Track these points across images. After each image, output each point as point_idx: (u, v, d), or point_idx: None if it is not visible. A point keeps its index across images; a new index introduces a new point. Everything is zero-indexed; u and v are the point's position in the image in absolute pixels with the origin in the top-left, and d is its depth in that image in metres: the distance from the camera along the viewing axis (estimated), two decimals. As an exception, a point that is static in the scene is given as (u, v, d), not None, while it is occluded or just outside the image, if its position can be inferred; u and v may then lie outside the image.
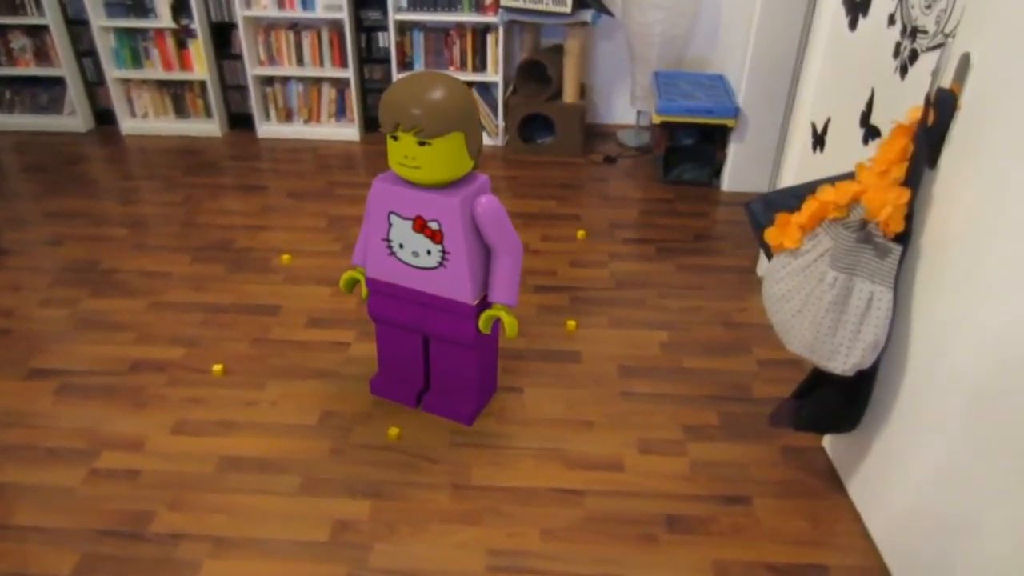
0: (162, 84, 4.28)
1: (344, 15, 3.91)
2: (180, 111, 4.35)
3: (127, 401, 2.35)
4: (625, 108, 4.34)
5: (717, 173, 3.75)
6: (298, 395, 2.38)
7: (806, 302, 1.84)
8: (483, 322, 2.06)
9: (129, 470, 2.10)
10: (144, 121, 4.34)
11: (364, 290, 2.20)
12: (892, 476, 1.85)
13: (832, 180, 1.84)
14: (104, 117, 4.38)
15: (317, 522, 1.95)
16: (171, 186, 3.72)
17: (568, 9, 3.58)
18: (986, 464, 1.50)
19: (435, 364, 2.25)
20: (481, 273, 2.05)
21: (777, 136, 3.53)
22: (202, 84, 4.24)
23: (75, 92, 4.23)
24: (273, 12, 3.99)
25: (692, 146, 3.81)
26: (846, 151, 2.32)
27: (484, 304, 2.09)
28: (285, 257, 3.08)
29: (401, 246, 2.04)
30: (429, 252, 2.01)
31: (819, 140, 2.55)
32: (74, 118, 4.31)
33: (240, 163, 4.00)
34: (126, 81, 4.25)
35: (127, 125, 4.30)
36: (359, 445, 2.19)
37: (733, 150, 3.61)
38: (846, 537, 1.94)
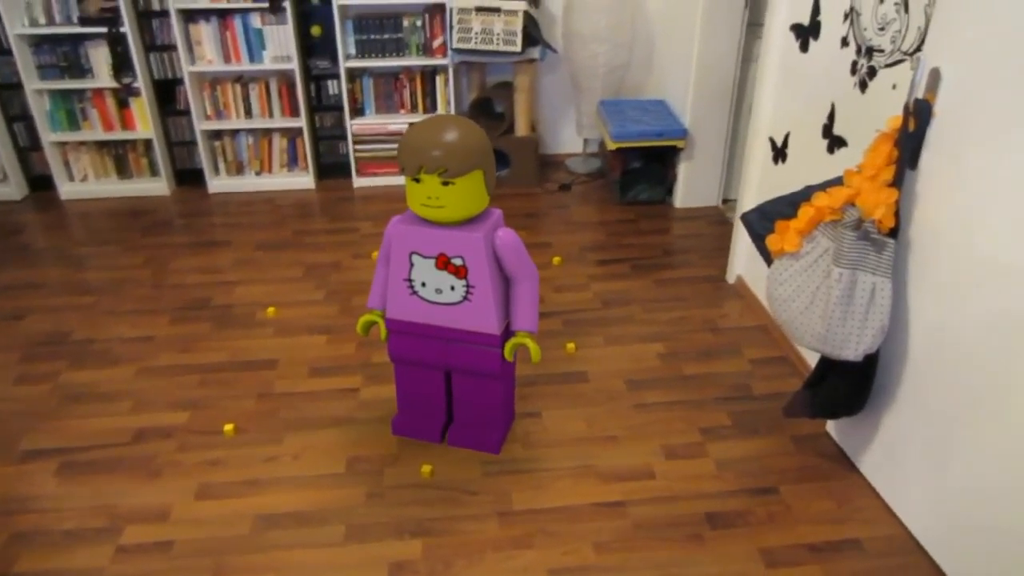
0: (102, 145, 4.16)
1: (294, 65, 3.93)
2: (122, 171, 4.23)
3: (139, 472, 2.28)
4: (571, 138, 4.51)
5: (670, 191, 3.95)
6: (319, 445, 2.36)
7: (813, 299, 2.00)
8: (508, 350, 2.13)
9: (160, 542, 2.04)
10: (83, 184, 4.20)
11: (383, 332, 2.23)
12: (901, 449, 2.02)
13: (823, 186, 2.02)
14: (39, 183, 4.21)
15: (372, 568, 1.95)
16: (129, 249, 3.61)
17: (518, 48, 3.72)
18: (981, 423, 1.68)
19: (458, 397, 2.29)
20: (504, 303, 2.12)
21: (723, 153, 3.77)
22: (146, 142, 4.15)
23: (7, 159, 4.05)
24: (219, 67, 3.96)
25: (642, 168, 4.00)
26: (809, 161, 2.53)
27: (506, 333, 2.16)
28: (271, 310, 3.05)
29: (424, 284, 2.09)
30: (453, 288, 2.07)
31: (780, 153, 2.76)
32: (7, 186, 4.12)
33: (196, 219, 3.92)
34: (62, 144, 4.11)
35: (65, 189, 4.15)
36: (394, 486, 2.20)
37: (683, 168, 3.82)
38: (869, 511, 2.10)
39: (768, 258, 2.15)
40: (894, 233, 1.87)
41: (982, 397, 1.72)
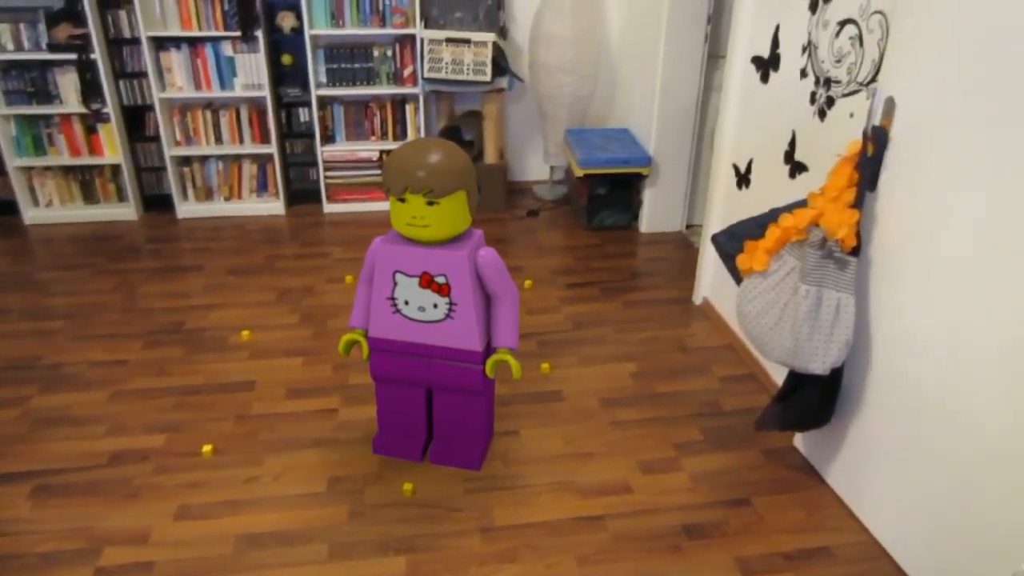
0: (68, 170, 4.12)
1: (266, 93, 3.97)
2: (89, 197, 4.20)
3: (116, 494, 2.25)
4: (538, 165, 4.62)
5: (635, 217, 4.07)
6: (299, 466, 2.37)
7: (782, 315, 2.10)
8: (490, 367, 2.18)
9: (140, 563, 2.02)
10: (49, 209, 4.15)
11: (365, 351, 2.26)
12: (865, 460, 2.12)
13: (788, 208, 2.13)
14: (1, 208, 4.14)
15: (357, 583, 1.96)
16: (98, 273, 3.57)
17: (488, 78, 3.83)
18: (938, 432, 1.78)
19: (439, 415, 2.33)
20: (485, 320, 2.18)
21: (686, 180, 3.91)
22: (114, 168, 4.12)
23: (-31, 186, 3.99)
24: (189, 93, 3.98)
25: (607, 194, 4.11)
26: (772, 186, 2.66)
27: (487, 351, 2.21)
28: (245, 333, 3.05)
29: (407, 303, 2.14)
30: (436, 305, 2.12)
31: (743, 179, 2.89)
32: (-32, 213, 4.05)
33: (165, 245, 3.90)
34: (28, 169, 4.06)
35: (30, 215, 4.10)
36: (376, 505, 2.22)
37: (648, 195, 3.95)
38: (837, 520, 2.19)
39: (738, 277, 2.25)
40: (856, 251, 1.98)
41: (939, 406, 1.83)
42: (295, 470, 2.35)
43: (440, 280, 2.08)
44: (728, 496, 2.27)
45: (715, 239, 2.31)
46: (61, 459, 2.39)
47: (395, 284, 2.12)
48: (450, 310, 2.11)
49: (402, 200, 1.99)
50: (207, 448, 2.41)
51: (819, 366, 2.03)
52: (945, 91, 1.71)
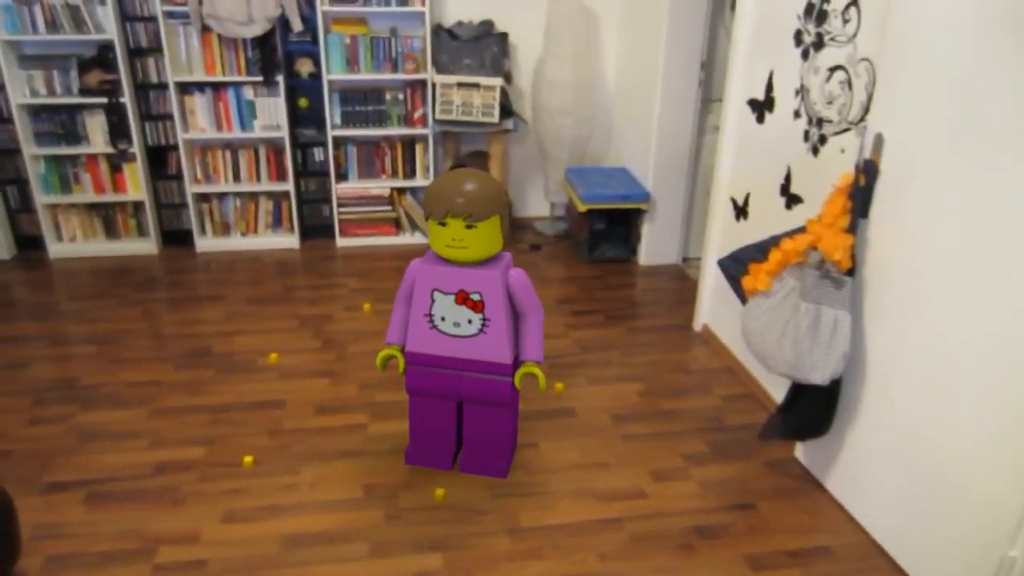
0: (92, 207, 4.29)
1: (284, 134, 4.20)
2: (110, 232, 4.36)
3: (164, 500, 2.39)
4: (538, 201, 4.86)
5: (633, 250, 4.31)
6: (334, 475, 2.52)
7: (784, 331, 2.31)
8: (518, 379, 2.37)
9: (194, 561, 2.16)
10: (72, 244, 4.31)
11: (401, 364, 2.44)
12: (862, 466, 2.32)
13: (788, 234, 2.37)
14: (26, 243, 4.30)
15: (398, 578, 2.11)
16: (124, 303, 3.73)
17: (496, 119, 4.09)
18: (929, 437, 1.99)
19: (469, 426, 2.50)
20: (514, 335, 2.37)
21: (682, 215, 4.17)
22: (135, 205, 4.31)
23: (-3, 220, 4.16)
24: (211, 134, 4.20)
25: (606, 229, 4.35)
26: (769, 217, 2.90)
27: (515, 364, 2.40)
28: (273, 356, 3.22)
29: (443, 319, 2.33)
30: (470, 321, 2.32)
31: (741, 211, 3.14)
32: (-6, 246, 4.20)
33: (186, 276, 4.07)
34: (54, 206, 4.23)
35: (54, 249, 4.25)
36: (411, 508, 2.38)
37: (647, 229, 4.19)
38: (836, 522, 2.38)
39: (743, 297, 2.48)
40: (851, 272, 2.21)
41: (929, 413, 2.04)
42: (331, 478, 2.50)
43: (475, 297, 2.28)
44: (734, 501, 2.45)
45: (721, 263, 2.54)
46: (109, 469, 2.53)
47: (433, 301, 2.32)
48: (483, 325, 2.31)
49: (443, 224, 2.20)
50: (248, 459, 2.56)
51: (820, 377, 2.24)
52: (928, 128, 1.96)
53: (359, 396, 2.97)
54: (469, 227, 2.19)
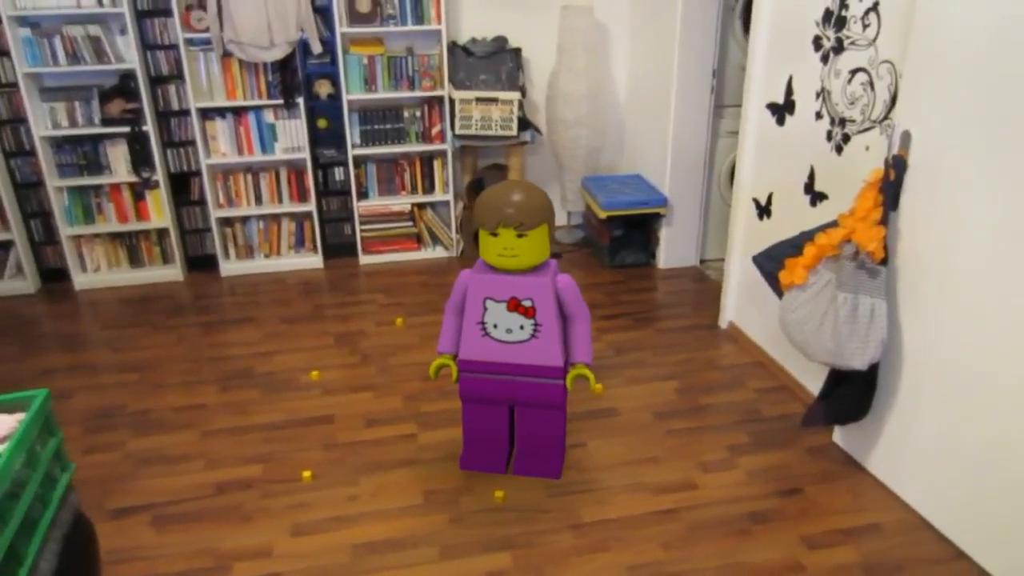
0: (115, 236, 4.35)
1: (306, 155, 4.28)
2: (135, 260, 4.42)
3: (231, 518, 2.45)
4: (555, 211, 4.95)
5: (652, 255, 4.41)
6: (393, 484, 2.59)
7: (822, 321, 2.41)
8: (570, 380, 2.46)
9: (271, 574, 2.22)
10: (96, 274, 4.36)
11: (455, 373, 2.52)
12: (903, 445, 2.42)
13: (820, 230, 2.47)
14: (50, 275, 4.35)
15: (471, 578, 2.19)
16: (158, 329, 3.79)
17: (514, 132, 4.19)
18: (968, 414, 2.09)
19: (522, 429, 2.58)
20: (563, 339, 2.46)
21: (699, 218, 4.28)
22: (159, 232, 4.37)
23: (24, 254, 4.20)
24: (232, 158, 4.28)
25: (625, 235, 4.45)
26: (793, 214, 3.01)
27: (565, 367, 2.48)
28: (314, 373, 3.29)
29: (495, 326, 2.42)
30: (522, 327, 2.40)
31: (764, 211, 3.24)
32: (21, 280, 4.25)
33: (214, 300, 4.13)
34: (77, 237, 4.29)
35: (80, 280, 4.30)
36: (473, 511, 2.45)
37: (665, 233, 4.30)
38: (881, 501, 2.47)
39: (779, 291, 2.57)
40: (884, 262, 2.31)
41: (965, 388, 2.15)
42: (390, 487, 2.57)
43: (527, 304, 2.36)
44: (782, 487, 2.54)
45: (756, 260, 2.64)
46: (170, 492, 2.59)
47: (485, 309, 2.40)
48: (535, 330, 2.39)
49: (495, 234, 2.29)
50: (307, 473, 2.63)
51: (859, 362, 2.34)
52: (953, 124, 2.08)
53: (405, 407, 3.04)
54: (520, 236, 2.28)
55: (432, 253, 4.62)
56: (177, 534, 2.39)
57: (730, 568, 2.21)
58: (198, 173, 4.30)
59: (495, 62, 4.23)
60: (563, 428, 2.57)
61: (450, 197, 4.53)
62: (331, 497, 2.54)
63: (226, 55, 4.02)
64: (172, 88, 4.16)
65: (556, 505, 2.47)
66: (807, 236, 2.51)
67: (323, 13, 4.08)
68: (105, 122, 4.08)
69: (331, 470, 2.67)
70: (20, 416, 1.85)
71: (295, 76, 4.12)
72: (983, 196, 2.02)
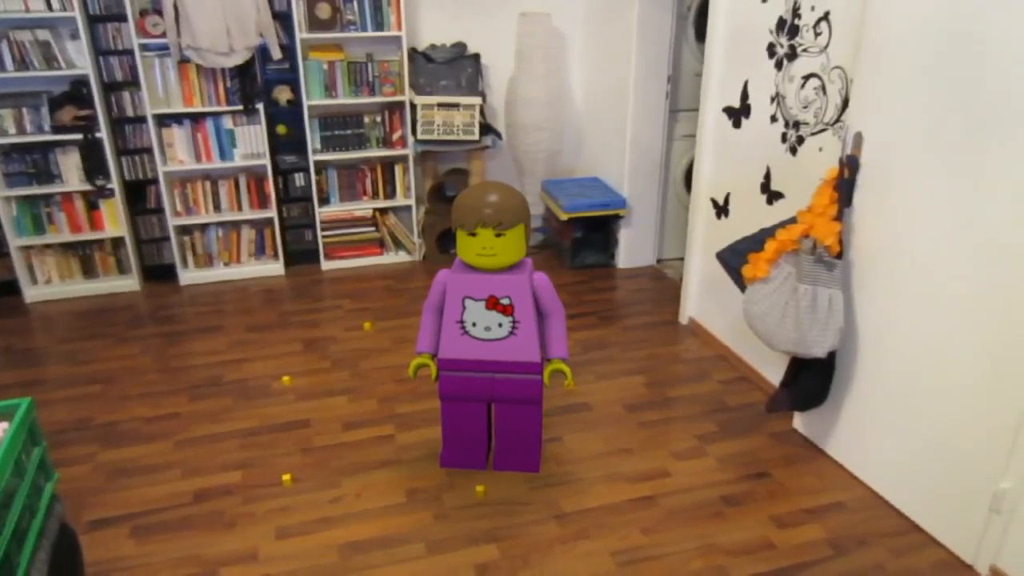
0: (68, 247, 4.25)
1: (266, 162, 4.26)
2: (88, 271, 4.32)
3: (213, 525, 2.45)
4: (512, 215, 5.03)
5: (612, 255, 4.53)
6: (375, 484, 2.62)
7: (785, 312, 2.55)
8: (547, 375, 2.53)
9: (258, 577, 2.23)
10: (48, 286, 4.25)
11: (434, 371, 2.57)
12: (859, 429, 2.57)
13: (781, 226, 2.61)
14: (2, 288, 4.22)
15: (461, 570, 2.23)
16: (120, 341, 3.72)
17: (476, 137, 4.25)
18: (918, 397, 2.25)
19: (500, 425, 2.64)
20: (540, 335, 2.53)
21: (656, 219, 4.41)
22: (114, 242, 4.28)
23: (-29, 267, 4.07)
24: (191, 165, 4.23)
25: (585, 237, 4.55)
26: (750, 213, 3.15)
27: (541, 363, 2.56)
28: (286, 379, 3.28)
29: (474, 324, 2.48)
30: (500, 325, 2.47)
31: (722, 210, 3.38)
32: (-32, 294, 4.11)
33: (176, 310, 4.07)
34: (27, 248, 4.17)
35: (31, 293, 4.18)
36: (456, 507, 2.50)
37: (624, 234, 4.42)
38: (841, 481, 2.62)
39: (742, 285, 2.70)
40: (840, 255, 2.46)
41: (918, 376, 2.30)
42: (372, 488, 2.60)
43: (505, 302, 2.43)
44: (750, 472, 2.67)
45: (720, 256, 2.76)
46: (148, 502, 2.56)
47: (464, 309, 2.46)
48: (514, 327, 2.46)
49: (473, 234, 2.35)
50: (287, 477, 2.63)
51: (820, 350, 2.48)
52: (902, 125, 2.23)
53: (381, 410, 3.07)
54: (498, 235, 2.34)
55: (395, 258, 4.64)
56: (158, 543, 2.37)
57: (707, 548, 2.32)
58: (155, 181, 4.24)
59: (455, 68, 4.29)
60: (540, 422, 2.64)
61: (412, 202, 4.57)
62: (314, 500, 2.55)
63: (183, 61, 3.98)
64: (127, 94, 4.09)
65: (537, 497, 2.54)
66: (768, 232, 2.64)
67: (283, 19, 4.07)
68: (56, 129, 3.99)
69: (312, 473, 2.69)
70: (4, 425, 1.83)
71: (255, 82, 4.10)
72: (930, 191, 2.17)
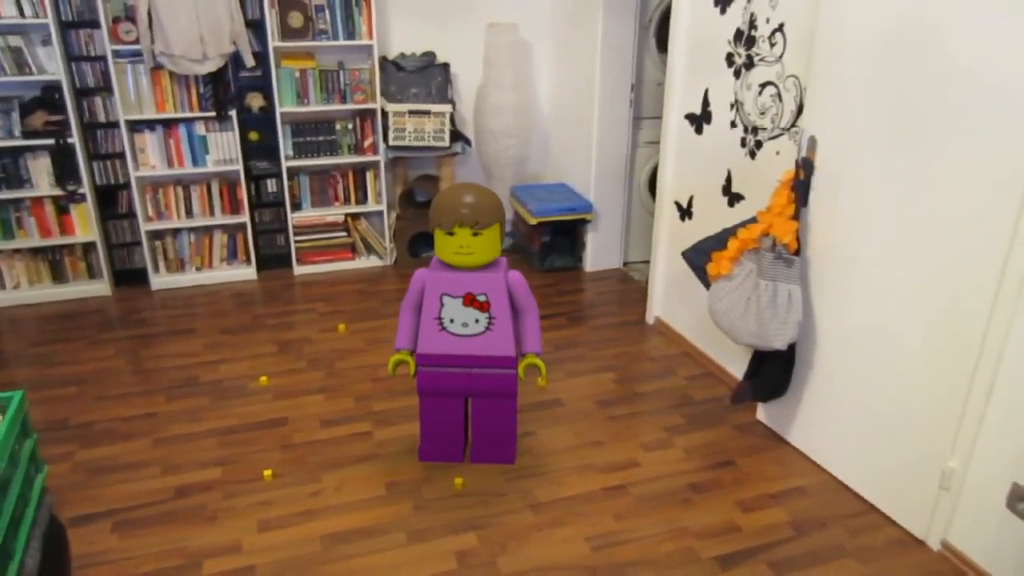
0: (37, 251, 4.23)
1: (238, 167, 4.30)
2: (59, 276, 4.31)
3: (195, 519, 2.49)
4: (482, 221, 5.13)
5: (579, 258, 4.66)
6: (355, 478, 2.69)
7: (747, 307, 2.68)
8: (522, 369, 2.63)
9: (243, 568, 2.28)
10: (17, 291, 4.22)
11: (412, 367, 2.65)
12: (818, 417, 2.71)
13: (742, 225, 2.75)
14: (-34, 294, 4.19)
15: (441, 559, 2.31)
16: (93, 344, 3.72)
17: (447, 143, 4.35)
18: (872, 386, 2.40)
19: (477, 419, 2.73)
20: (515, 331, 2.63)
21: (622, 223, 4.55)
22: (84, 246, 4.28)
23: (-63, 272, 4.03)
24: (163, 171, 4.25)
25: (552, 241, 4.67)
26: (713, 215, 3.30)
27: (517, 358, 2.66)
28: (263, 379, 3.33)
29: (452, 321, 2.57)
30: (477, 321, 2.56)
31: (686, 212, 3.53)
32: (-66, 299, 4.07)
33: (149, 314, 4.08)
34: (-4, 254, 4.15)
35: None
36: (435, 498, 2.58)
37: (591, 238, 4.55)
38: (802, 467, 2.76)
39: (706, 283, 2.84)
40: (798, 253, 2.61)
41: (871, 366, 2.46)
42: (352, 482, 2.67)
43: (481, 299, 2.53)
44: (716, 461, 2.80)
45: (685, 255, 2.90)
46: (129, 498, 2.59)
47: (442, 305, 2.55)
48: (490, 323, 2.56)
49: (451, 233, 2.44)
50: (267, 472, 2.69)
51: (780, 343, 2.62)
52: (854, 128, 2.39)
53: (357, 407, 3.13)
54: (475, 234, 2.44)
55: (367, 262, 4.71)
56: (142, 537, 2.41)
57: (676, 532, 2.43)
58: (127, 186, 4.25)
59: (425, 76, 4.39)
60: (515, 416, 2.74)
61: (383, 207, 4.64)
62: (295, 494, 2.61)
63: (157, 67, 4.01)
64: (99, 100, 4.11)
65: (513, 488, 2.63)
66: (730, 232, 2.78)
67: (255, 27, 4.13)
68: (27, 134, 3.99)
69: (292, 469, 2.74)
70: (-5, 418, 1.87)
71: (228, 89, 4.15)
72: (881, 191, 2.33)
